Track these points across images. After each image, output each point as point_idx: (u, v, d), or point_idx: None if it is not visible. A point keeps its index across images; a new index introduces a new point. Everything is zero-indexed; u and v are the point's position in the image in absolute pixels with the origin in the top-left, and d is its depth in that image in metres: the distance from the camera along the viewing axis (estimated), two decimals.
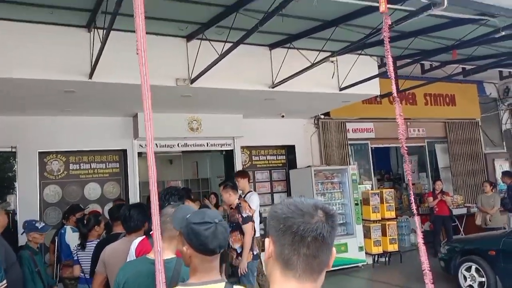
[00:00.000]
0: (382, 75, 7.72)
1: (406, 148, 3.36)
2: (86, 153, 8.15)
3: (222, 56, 5.60)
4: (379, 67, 8.19)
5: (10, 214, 7.86)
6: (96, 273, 3.48)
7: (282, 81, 6.86)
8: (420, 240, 3.27)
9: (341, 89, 7.74)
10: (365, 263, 9.22)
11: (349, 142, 10.61)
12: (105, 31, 4.73)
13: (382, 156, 12.50)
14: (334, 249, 1.23)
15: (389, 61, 3.73)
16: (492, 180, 11.19)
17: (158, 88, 6.28)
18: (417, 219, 3.53)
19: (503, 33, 5.87)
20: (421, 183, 12.47)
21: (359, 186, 9.81)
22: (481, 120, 12.55)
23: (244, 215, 5.34)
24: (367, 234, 9.33)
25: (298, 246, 1.16)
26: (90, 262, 4.67)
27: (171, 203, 3.02)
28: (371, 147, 11.18)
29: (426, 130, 11.84)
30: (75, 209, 6.58)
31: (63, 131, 7.75)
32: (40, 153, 7.68)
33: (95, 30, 5.44)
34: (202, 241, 1.85)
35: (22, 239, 6.53)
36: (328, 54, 6.51)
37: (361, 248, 9.19)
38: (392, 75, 3.55)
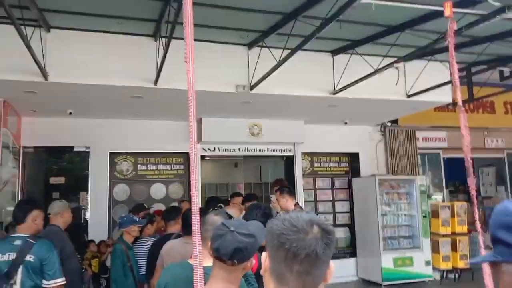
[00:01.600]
0: None
1: (470, 161, 3.14)
2: (153, 154, 8.53)
3: (280, 63, 5.60)
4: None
5: (83, 210, 8.48)
6: (157, 266, 3.66)
7: (344, 87, 6.71)
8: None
9: (408, 96, 7.43)
10: (432, 279, 8.75)
11: (419, 151, 10.12)
12: (166, 39, 4.92)
13: (456, 166, 11.73)
14: (332, 263, 1.19)
15: (454, 68, 3.49)
16: None
17: (219, 95, 6.45)
18: (481, 238, 3.29)
19: None
20: (498, 197, 11.54)
21: (428, 198, 9.33)
22: None
23: None
24: (435, 249, 8.85)
25: (291, 262, 1.13)
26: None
27: (215, 209, 3.07)
28: (443, 157, 10.57)
29: (505, 140, 10.98)
30: (140, 208, 6.91)
31: (132, 134, 8.17)
32: (111, 153, 8.15)
33: (161, 39, 5.69)
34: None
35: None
36: (393, 59, 6.27)
37: (428, 263, 8.74)
38: (457, 83, 3.33)
